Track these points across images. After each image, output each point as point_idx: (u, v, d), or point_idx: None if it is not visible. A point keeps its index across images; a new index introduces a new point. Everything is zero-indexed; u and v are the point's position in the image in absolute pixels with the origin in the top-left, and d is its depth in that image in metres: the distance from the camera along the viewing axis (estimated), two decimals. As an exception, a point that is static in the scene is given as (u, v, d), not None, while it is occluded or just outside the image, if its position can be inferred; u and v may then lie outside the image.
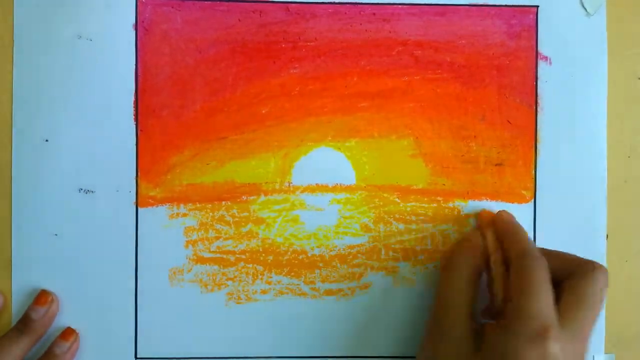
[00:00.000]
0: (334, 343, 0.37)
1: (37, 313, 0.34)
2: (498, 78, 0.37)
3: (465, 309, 0.32)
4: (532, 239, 0.37)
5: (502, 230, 0.34)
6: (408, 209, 0.37)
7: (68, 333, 0.35)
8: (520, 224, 0.35)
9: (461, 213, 0.37)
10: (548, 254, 0.32)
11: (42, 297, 0.35)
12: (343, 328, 0.37)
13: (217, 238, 0.37)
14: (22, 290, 0.36)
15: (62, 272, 0.36)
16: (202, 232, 0.36)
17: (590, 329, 0.30)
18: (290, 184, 0.37)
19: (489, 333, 0.30)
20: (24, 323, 0.34)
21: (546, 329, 0.28)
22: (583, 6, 0.37)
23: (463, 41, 0.37)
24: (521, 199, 0.37)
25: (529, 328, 0.28)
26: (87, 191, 0.36)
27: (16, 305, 0.36)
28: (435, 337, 0.32)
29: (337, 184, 0.37)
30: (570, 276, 0.31)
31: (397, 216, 0.37)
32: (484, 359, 0.29)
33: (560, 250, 0.36)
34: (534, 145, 0.37)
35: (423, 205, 0.37)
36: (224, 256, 0.37)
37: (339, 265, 0.37)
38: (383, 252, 0.37)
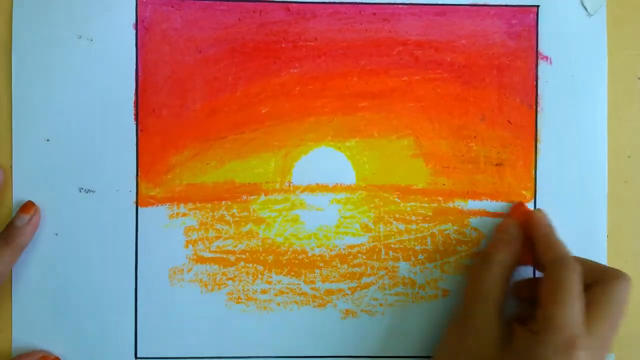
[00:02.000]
0: (334, 343, 0.37)
1: (22, 220, 0.35)
2: (498, 78, 0.37)
3: (497, 305, 0.32)
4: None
5: (537, 232, 0.34)
6: (408, 208, 0.37)
7: (28, 206, 0.35)
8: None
9: (461, 213, 0.37)
10: (578, 261, 0.32)
11: (26, 206, 0.35)
12: (343, 328, 0.37)
13: (217, 238, 0.37)
14: (22, 290, 0.36)
15: (62, 272, 0.36)
16: (202, 231, 0.36)
17: (613, 335, 0.30)
18: (291, 184, 0.37)
19: (518, 336, 0.30)
20: (9, 233, 0.34)
21: (575, 339, 0.28)
22: (583, 6, 0.37)
23: (463, 41, 0.37)
24: (522, 199, 0.37)
25: (559, 338, 0.28)
26: (87, 191, 0.36)
27: (17, 305, 0.36)
28: (462, 330, 0.32)
29: (337, 184, 0.37)
30: (596, 284, 0.31)
31: (397, 216, 0.37)
32: None
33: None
34: (534, 145, 0.37)
35: (423, 205, 0.37)
36: (224, 256, 0.37)
37: (339, 265, 0.37)
38: (383, 252, 0.37)
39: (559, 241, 0.33)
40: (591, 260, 0.33)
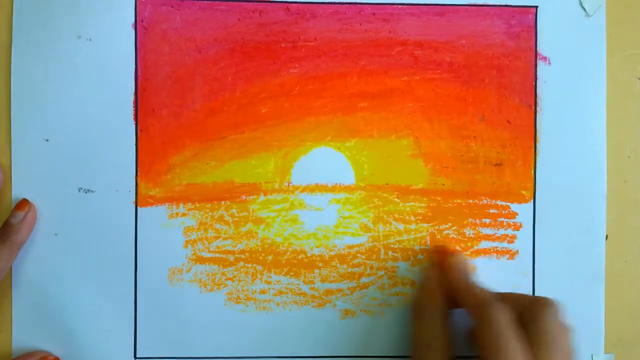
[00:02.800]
0: (334, 343, 0.37)
1: (16, 218, 0.35)
2: (498, 78, 0.37)
3: (443, 352, 0.31)
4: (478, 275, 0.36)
5: (454, 279, 0.33)
6: (407, 208, 0.37)
7: (23, 203, 0.35)
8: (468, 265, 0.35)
9: (461, 213, 0.37)
10: (503, 297, 0.31)
11: (21, 203, 0.35)
12: (342, 328, 0.37)
13: (217, 238, 0.37)
14: (22, 290, 0.36)
15: (61, 272, 0.36)
16: (202, 231, 0.36)
17: (571, 356, 0.30)
18: (290, 184, 0.37)
19: None
20: (5, 230, 0.34)
21: None
22: (582, 6, 0.37)
23: (463, 41, 0.37)
24: (521, 199, 0.37)
25: None
26: (86, 191, 0.36)
27: (16, 306, 0.36)
28: None
29: (336, 184, 0.37)
30: (529, 317, 0.30)
31: (396, 216, 0.37)
32: None
33: (560, 250, 0.36)
34: (533, 145, 0.37)
35: (422, 205, 0.37)
36: (224, 256, 0.37)
37: (338, 265, 0.37)
38: (382, 252, 0.37)
39: (476, 285, 0.33)
40: (515, 293, 0.32)
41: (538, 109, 0.37)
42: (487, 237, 0.37)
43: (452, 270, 0.34)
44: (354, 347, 0.37)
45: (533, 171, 0.37)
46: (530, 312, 0.30)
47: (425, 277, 0.35)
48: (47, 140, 0.36)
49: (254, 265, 0.37)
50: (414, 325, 0.33)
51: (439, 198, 0.37)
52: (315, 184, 0.37)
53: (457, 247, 0.37)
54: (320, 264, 0.37)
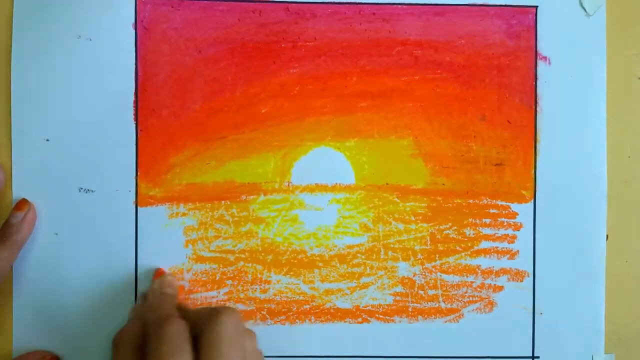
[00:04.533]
0: (334, 342, 0.37)
1: (16, 218, 0.35)
2: (498, 78, 0.37)
3: None
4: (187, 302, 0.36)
5: (151, 299, 0.33)
6: (407, 208, 0.37)
7: (22, 203, 0.35)
8: (173, 285, 0.35)
9: (461, 213, 0.37)
10: (185, 312, 0.31)
11: (20, 204, 0.35)
12: (342, 328, 0.37)
13: (217, 237, 0.37)
14: (22, 291, 0.36)
15: (62, 272, 0.36)
16: (202, 231, 0.36)
17: None
18: (290, 184, 0.37)
19: None
20: (4, 231, 0.34)
21: None
22: (582, 6, 0.37)
23: (463, 41, 0.37)
24: (521, 199, 0.37)
25: None
26: (87, 190, 0.36)
27: (17, 306, 0.36)
28: None
29: (336, 184, 0.37)
30: (200, 328, 0.29)
31: (396, 216, 0.37)
32: None
33: (560, 250, 0.36)
34: (533, 145, 0.37)
35: (422, 205, 0.37)
36: (224, 255, 0.37)
37: (338, 265, 0.37)
38: (382, 252, 0.37)
39: (165, 302, 0.33)
40: (199, 308, 0.32)
41: (538, 109, 0.37)
42: (488, 237, 0.37)
43: (151, 290, 0.34)
44: (354, 347, 0.37)
45: (533, 171, 0.37)
46: (203, 323, 0.29)
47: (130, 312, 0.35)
48: (47, 140, 0.36)
49: (254, 265, 0.37)
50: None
51: (439, 198, 0.37)
52: (315, 183, 0.37)
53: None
54: (320, 264, 0.37)
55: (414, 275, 0.37)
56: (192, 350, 0.28)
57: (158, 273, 0.36)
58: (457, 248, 0.37)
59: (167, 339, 0.28)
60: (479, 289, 0.37)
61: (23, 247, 0.35)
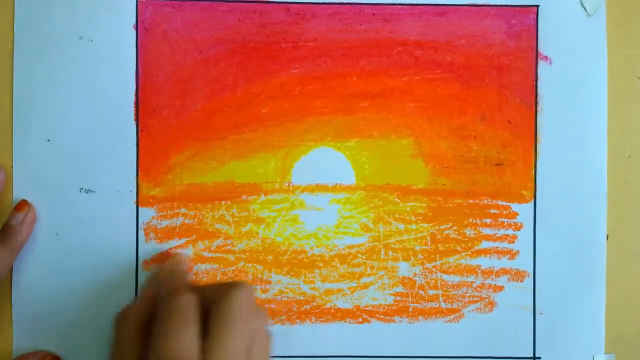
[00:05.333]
0: (335, 342, 0.37)
1: (16, 219, 0.35)
2: (498, 78, 0.37)
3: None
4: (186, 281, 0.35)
5: (162, 276, 0.33)
6: (408, 208, 0.37)
7: (22, 205, 0.35)
8: (185, 263, 0.35)
9: (461, 213, 0.37)
10: (197, 288, 0.31)
11: (20, 205, 0.35)
12: (343, 328, 0.37)
13: (217, 237, 0.37)
14: (22, 291, 0.36)
15: (62, 272, 0.36)
16: (202, 231, 0.36)
17: (239, 344, 0.28)
18: (290, 184, 0.37)
19: None
20: (5, 232, 0.35)
21: None
22: (583, 6, 0.37)
23: (463, 41, 0.37)
24: (521, 199, 0.37)
25: None
26: (87, 191, 0.36)
27: (17, 306, 0.36)
28: None
29: (336, 184, 0.37)
30: (213, 301, 0.29)
31: (396, 216, 0.37)
32: None
33: (560, 250, 0.36)
34: (534, 145, 0.37)
35: (423, 205, 0.37)
36: (224, 256, 0.37)
37: (338, 265, 0.37)
38: (383, 252, 0.37)
39: (175, 277, 0.33)
40: (213, 283, 0.32)
41: (539, 108, 0.37)
42: (488, 237, 0.37)
43: (162, 268, 0.34)
44: (354, 347, 0.37)
45: (533, 171, 0.37)
46: (215, 296, 0.29)
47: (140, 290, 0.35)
48: (48, 141, 0.36)
49: (255, 265, 0.37)
50: (115, 334, 0.31)
51: (439, 198, 0.37)
52: (316, 184, 0.37)
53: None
54: (321, 264, 0.37)
55: (414, 276, 0.37)
56: (201, 324, 0.28)
57: (167, 255, 0.36)
58: (458, 248, 0.37)
59: (175, 311, 0.28)
60: (479, 289, 0.37)
61: (23, 248, 0.35)
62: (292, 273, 0.37)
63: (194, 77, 0.36)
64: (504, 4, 0.37)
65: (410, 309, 0.37)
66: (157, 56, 0.36)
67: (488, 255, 0.37)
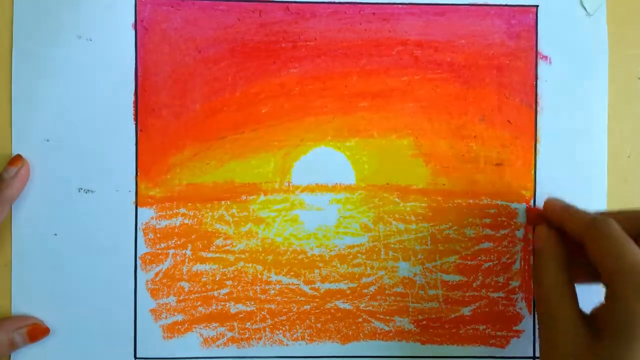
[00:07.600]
0: (335, 342, 0.37)
1: (9, 173, 0.34)
2: (498, 78, 0.37)
3: (568, 299, 0.31)
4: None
5: (557, 215, 0.34)
6: (408, 208, 0.37)
7: (16, 159, 0.35)
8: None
9: (461, 213, 0.37)
10: (611, 214, 0.31)
11: (14, 159, 0.35)
12: (343, 328, 0.37)
13: (217, 237, 0.37)
14: (22, 291, 0.36)
15: (61, 272, 0.36)
16: (202, 231, 0.36)
17: None
18: (290, 184, 0.37)
19: (602, 314, 0.29)
20: None
21: None
22: (583, 6, 0.37)
23: (463, 41, 0.37)
24: (521, 199, 0.37)
25: (636, 277, 0.27)
26: (86, 191, 0.36)
27: (16, 306, 0.36)
28: (547, 338, 0.31)
29: (336, 184, 0.37)
30: None
31: (396, 216, 0.37)
32: (606, 347, 0.28)
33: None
34: (534, 145, 0.37)
35: (423, 205, 0.37)
36: (224, 256, 0.37)
37: (338, 265, 0.37)
38: (383, 252, 0.37)
39: (581, 211, 0.33)
40: (626, 210, 0.32)
41: (538, 108, 0.37)
42: (488, 237, 0.37)
43: (551, 210, 0.34)
44: (354, 347, 0.37)
45: (533, 171, 0.37)
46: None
47: (534, 243, 0.35)
48: (47, 141, 0.36)
49: (254, 265, 0.37)
50: (539, 284, 0.32)
51: (439, 198, 0.37)
52: (316, 184, 0.37)
53: (458, 247, 0.37)
54: (321, 264, 0.37)
55: (414, 276, 0.37)
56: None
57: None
58: (458, 248, 0.37)
59: (609, 236, 0.29)
60: (479, 289, 0.37)
61: (13, 203, 0.35)
62: (292, 273, 0.37)
63: (194, 77, 0.36)
64: (504, 3, 0.37)
65: (410, 309, 0.37)
66: (157, 55, 0.36)
67: (488, 255, 0.37)
